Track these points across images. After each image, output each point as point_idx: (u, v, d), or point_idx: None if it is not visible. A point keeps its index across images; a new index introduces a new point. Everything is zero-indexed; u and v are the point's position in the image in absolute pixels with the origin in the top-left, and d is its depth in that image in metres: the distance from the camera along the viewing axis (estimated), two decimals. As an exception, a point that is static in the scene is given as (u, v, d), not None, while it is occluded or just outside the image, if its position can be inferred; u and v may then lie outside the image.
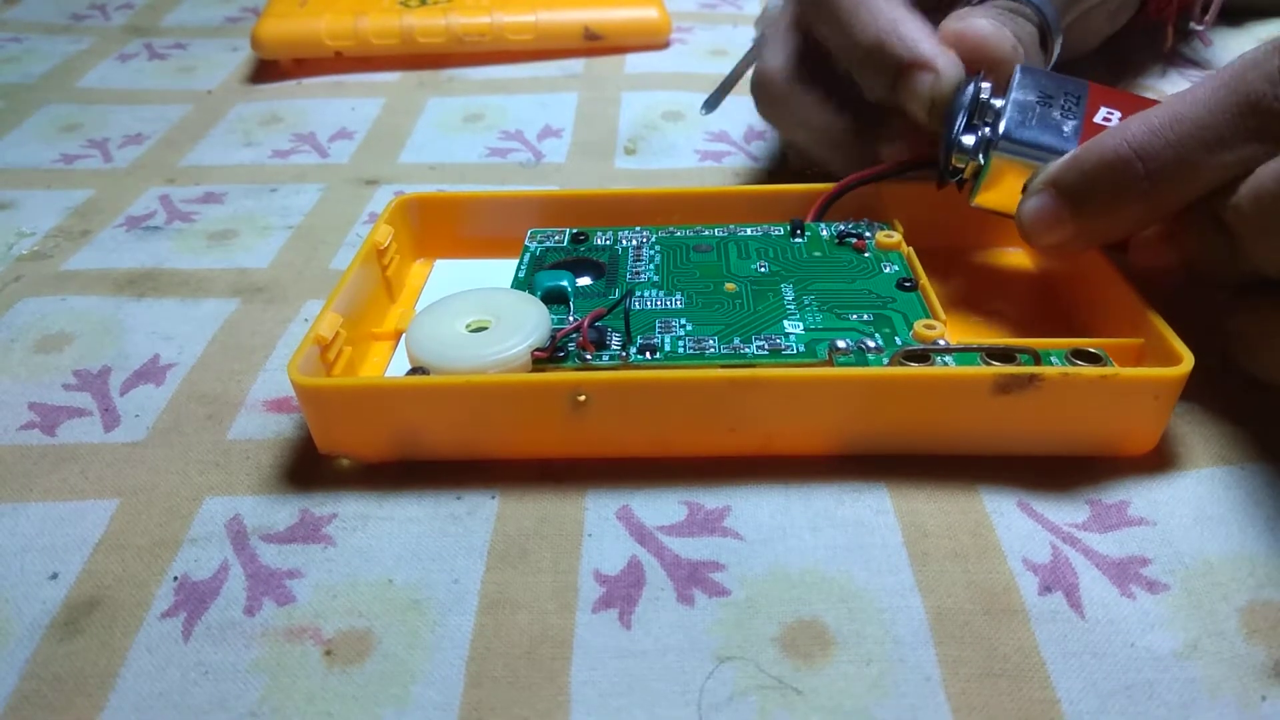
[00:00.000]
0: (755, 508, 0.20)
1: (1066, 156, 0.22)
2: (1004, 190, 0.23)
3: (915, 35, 0.25)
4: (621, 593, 0.19)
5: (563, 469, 0.21)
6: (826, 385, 0.20)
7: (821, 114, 0.29)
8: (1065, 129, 0.23)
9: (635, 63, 0.44)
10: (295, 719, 0.17)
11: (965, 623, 0.18)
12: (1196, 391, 0.23)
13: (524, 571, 0.19)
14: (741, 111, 0.38)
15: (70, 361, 0.25)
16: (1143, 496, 0.20)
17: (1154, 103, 0.22)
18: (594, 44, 0.44)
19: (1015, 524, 0.20)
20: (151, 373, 0.25)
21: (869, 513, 0.20)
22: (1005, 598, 0.18)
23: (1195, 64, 0.40)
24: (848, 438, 0.21)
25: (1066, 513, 0.20)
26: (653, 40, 0.45)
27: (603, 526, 0.20)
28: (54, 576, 0.19)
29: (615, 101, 0.40)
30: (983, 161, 0.23)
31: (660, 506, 0.20)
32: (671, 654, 0.17)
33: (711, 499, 0.20)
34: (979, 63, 0.25)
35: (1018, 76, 0.24)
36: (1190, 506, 0.20)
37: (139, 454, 0.22)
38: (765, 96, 0.29)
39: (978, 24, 0.25)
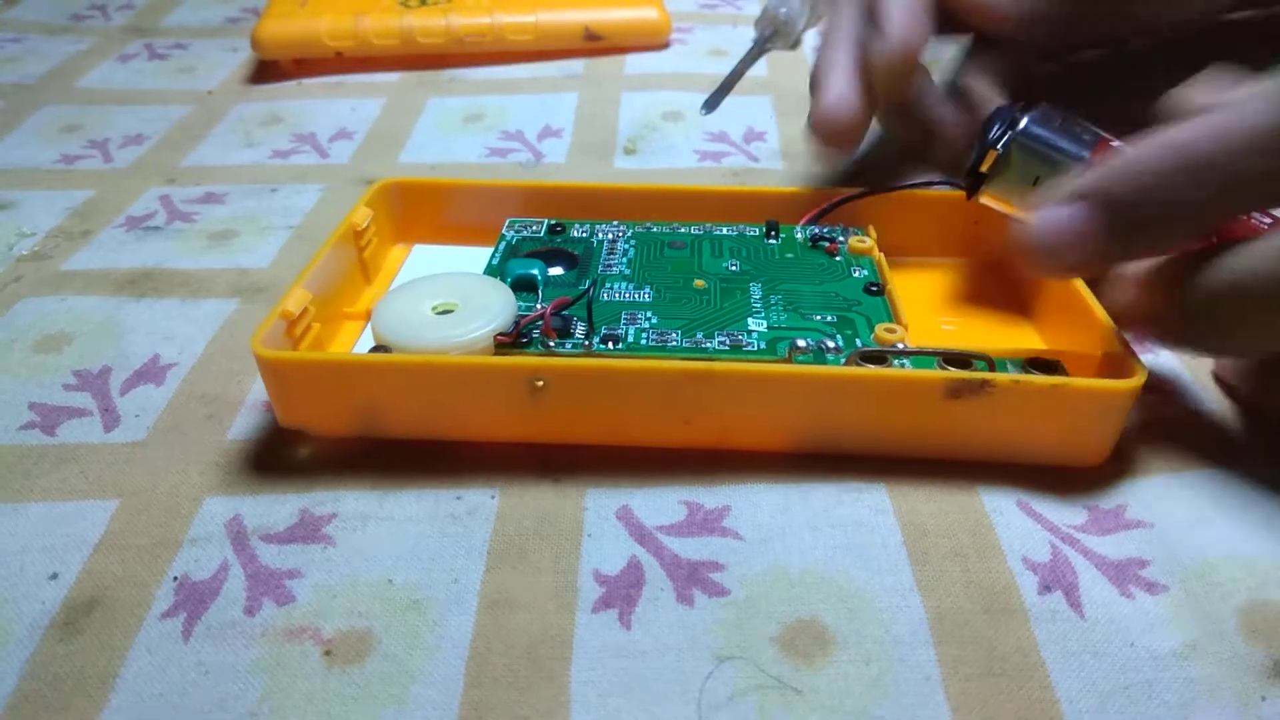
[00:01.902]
0: (755, 508, 0.20)
1: (1108, 165, 0.19)
2: (1010, 187, 0.24)
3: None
4: (621, 593, 0.19)
5: (562, 468, 0.21)
6: (781, 382, 0.20)
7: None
8: (1084, 137, 0.23)
9: (635, 63, 0.44)
10: (295, 719, 0.17)
11: (965, 622, 0.18)
12: (1192, 395, 0.23)
13: (524, 571, 0.19)
14: (741, 111, 0.38)
15: (70, 361, 0.25)
16: (1140, 499, 0.20)
17: None
18: (594, 44, 0.44)
19: (1015, 523, 0.20)
20: (151, 373, 0.25)
21: (868, 512, 0.20)
22: (1005, 597, 0.18)
23: None
24: (803, 435, 0.21)
25: (1065, 515, 0.20)
26: (652, 40, 0.45)
27: (602, 526, 0.20)
28: (54, 577, 0.19)
29: (615, 102, 0.40)
30: (1000, 150, 0.23)
31: (660, 506, 0.20)
32: (671, 654, 0.17)
33: (711, 499, 0.20)
34: None
35: (1044, 106, 0.24)
36: (1188, 508, 0.20)
37: (139, 454, 0.22)
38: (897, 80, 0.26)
39: None
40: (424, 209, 0.28)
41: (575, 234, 0.27)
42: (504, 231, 0.27)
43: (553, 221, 0.27)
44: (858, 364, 0.21)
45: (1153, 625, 0.18)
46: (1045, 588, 0.18)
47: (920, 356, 0.21)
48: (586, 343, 0.22)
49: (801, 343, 0.22)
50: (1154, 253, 0.20)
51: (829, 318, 0.23)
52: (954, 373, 0.20)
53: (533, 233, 0.27)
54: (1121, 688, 0.17)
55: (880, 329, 0.22)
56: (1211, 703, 0.16)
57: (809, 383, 0.20)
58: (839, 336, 0.22)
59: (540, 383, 0.20)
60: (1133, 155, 0.19)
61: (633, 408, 0.21)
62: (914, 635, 0.18)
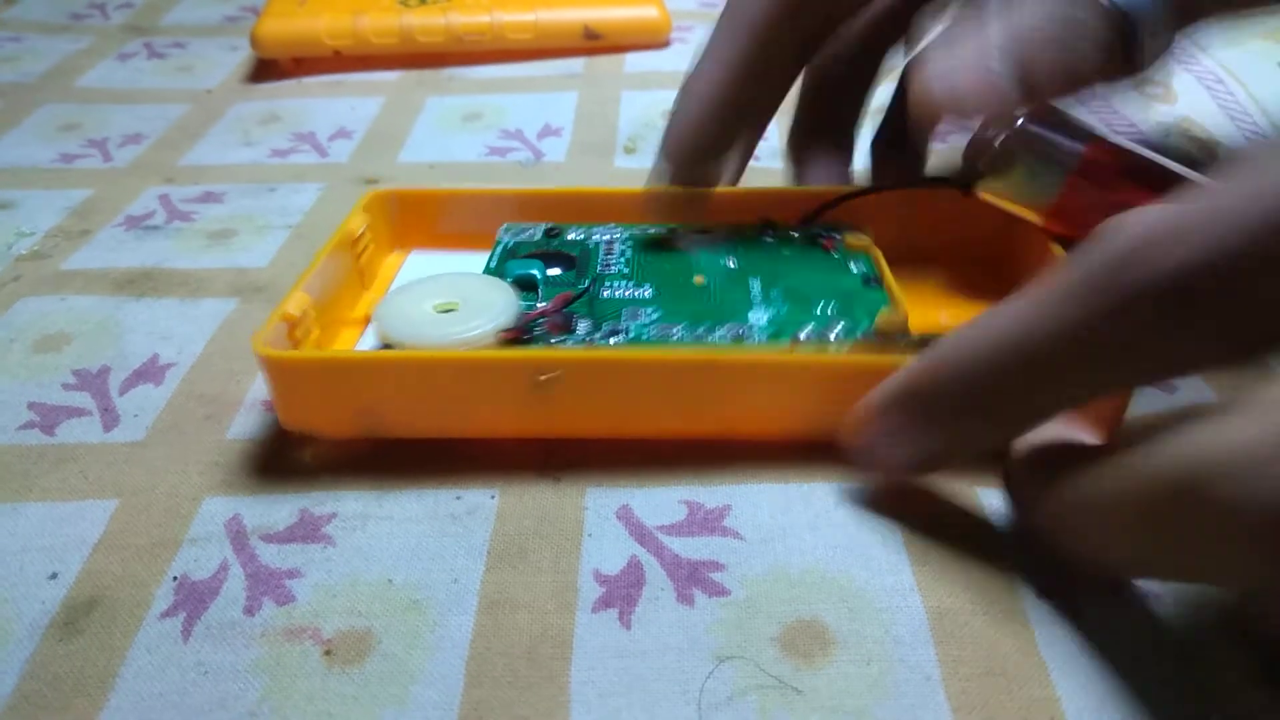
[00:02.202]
0: (755, 507, 0.20)
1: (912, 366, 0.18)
2: (1008, 182, 0.24)
3: None
4: (621, 592, 0.19)
5: (562, 467, 0.21)
6: (785, 370, 0.20)
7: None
8: (1079, 132, 0.23)
9: (635, 62, 0.44)
10: (295, 719, 0.17)
11: (965, 622, 0.18)
12: (1188, 393, 0.23)
13: (524, 571, 0.19)
14: (741, 110, 0.38)
15: (69, 361, 0.25)
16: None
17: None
18: (594, 43, 0.44)
19: (1016, 524, 0.20)
20: (151, 372, 0.25)
21: (869, 512, 0.20)
22: (1005, 597, 0.18)
23: None
24: (807, 423, 0.21)
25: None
26: (653, 39, 0.45)
27: (602, 526, 0.20)
28: (53, 576, 0.19)
29: (615, 101, 0.40)
30: (996, 146, 0.24)
31: (660, 506, 0.20)
32: (671, 654, 0.17)
33: (711, 498, 0.20)
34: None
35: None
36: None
37: (138, 454, 0.22)
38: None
39: (954, 76, 0.20)
40: (420, 217, 0.28)
41: (571, 237, 0.27)
42: (500, 235, 0.27)
43: (549, 225, 0.27)
44: (862, 350, 0.21)
45: (1151, 625, 0.18)
46: (1045, 588, 0.18)
47: (923, 345, 0.21)
48: (589, 338, 0.22)
49: (804, 333, 0.22)
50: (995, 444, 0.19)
51: (831, 307, 0.23)
52: None
53: (528, 236, 0.27)
54: (1122, 687, 0.17)
55: (882, 317, 0.22)
56: (1212, 703, 0.16)
57: (813, 371, 0.20)
58: (841, 326, 0.22)
59: (544, 377, 0.20)
60: (932, 356, 0.17)
61: (637, 399, 0.21)
62: (914, 635, 0.18)
